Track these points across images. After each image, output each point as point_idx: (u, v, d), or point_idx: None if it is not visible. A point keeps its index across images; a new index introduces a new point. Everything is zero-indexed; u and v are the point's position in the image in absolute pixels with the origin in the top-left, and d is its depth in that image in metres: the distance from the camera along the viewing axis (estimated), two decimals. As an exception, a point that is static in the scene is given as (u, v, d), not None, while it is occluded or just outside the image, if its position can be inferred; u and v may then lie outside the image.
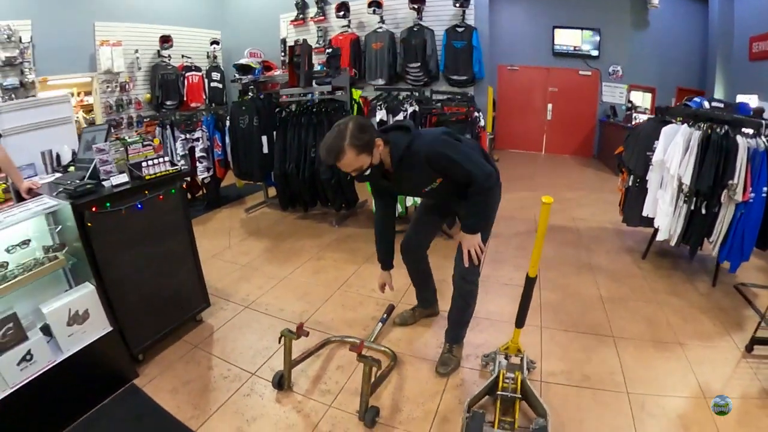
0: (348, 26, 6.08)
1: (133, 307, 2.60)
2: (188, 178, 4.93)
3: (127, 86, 5.65)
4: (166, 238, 2.79)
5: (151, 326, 2.73)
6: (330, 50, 4.64)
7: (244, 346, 2.86)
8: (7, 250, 2.21)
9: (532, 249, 2.22)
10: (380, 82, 6.06)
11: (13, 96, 4.28)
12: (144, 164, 2.63)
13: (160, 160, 2.71)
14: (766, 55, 5.98)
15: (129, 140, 5.18)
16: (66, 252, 2.37)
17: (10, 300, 2.13)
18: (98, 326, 2.39)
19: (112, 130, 5.35)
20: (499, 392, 2.19)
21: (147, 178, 2.63)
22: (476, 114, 4.48)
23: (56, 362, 2.20)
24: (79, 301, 2.31)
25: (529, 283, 2.26)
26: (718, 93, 6.93)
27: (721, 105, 4.21)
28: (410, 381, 2.54)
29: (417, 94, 4.49)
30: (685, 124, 3.63)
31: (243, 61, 5.07)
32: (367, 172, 2.15)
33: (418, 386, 2.50)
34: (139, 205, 2.56)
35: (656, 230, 3.85)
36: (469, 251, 2.37)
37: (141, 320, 2.66)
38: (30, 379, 2.09)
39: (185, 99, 6.06)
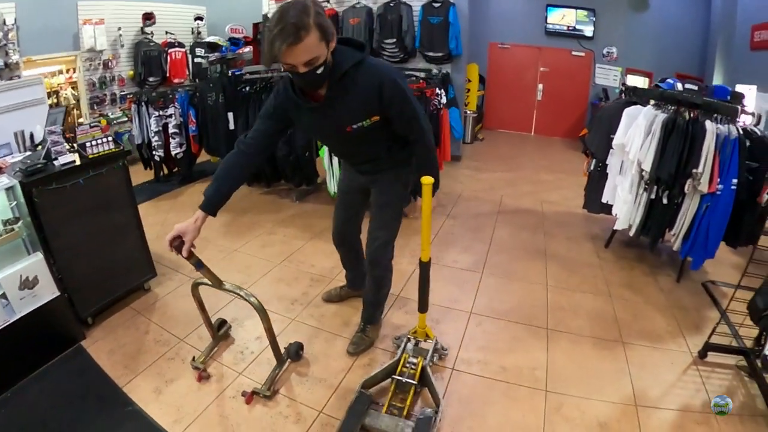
0: (327, 1, 6.06)
1: (81, 275, 2.80)
2: (162, 154, 5.09)
3: (110, 64, 5.77)
4: (110, 212, 2.96)
5: (98, 292, 2.93)
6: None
7: (180, 314, 3.04)
8: None
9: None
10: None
11: None
12: (89, 144, 2.81)
13: (105, 139, 2.89)
14: (767, 44, 5.81)
15: (111, 116, 5.39)
16: (21, 225, 2.56)
17: None
18: (47, 291, 2.59)
19: (95, 107, 5.55)
20: (395, 376, 2.29)
21: (90, 156, 2.80)
22: (437, 92, 4.50)
23: (9, 322, 2.42)
24: (29, 268, 2.50)
25: (423, 267, 2.30)
26: (718, 81, 6.74)
27: (695, 87, 4.07)
28: (321, 357, 2.67)
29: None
30: (650, 106, 3.47)
31: (210, 38, 5.15)
32: (320, 71, 1.70)
33: (326, 363, 2.62)
34: (81, 181, 2.73)
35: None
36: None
37: (89, 287, 2.85)
38: (-14, 336, 2.29)
39: (168, 75, 6.16)
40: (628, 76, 7.94)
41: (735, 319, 2.62)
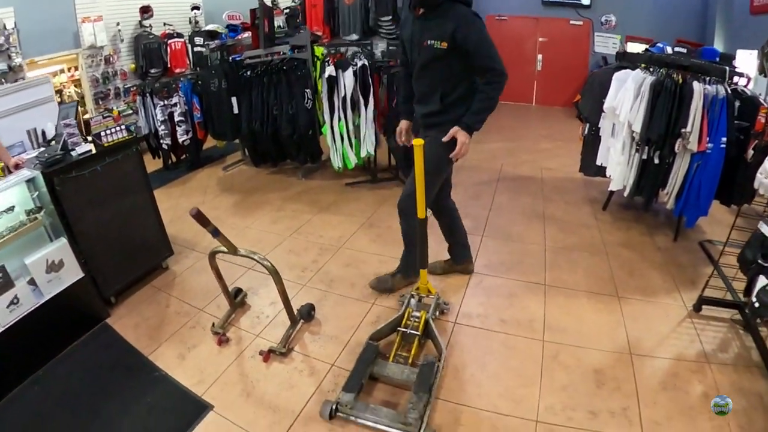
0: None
1: (103, 257, 2.99)
2: (169, 142, 5.26)
3: (111, 59, 5.90)
4: (128, 196, 3.14)
5: (120, 272, 3.13)
6: (287, 10, 4.78)
7: (198, 287, 3.24)
8: None
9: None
10: (354, 37, 6.13)
11: (2, 80, 4.62)
12: (103, 133, 2.99)
13: (118, 128, 3.07)
14: (767, 8, 5.75)
15: (117, 109, 5.54)
16: (43, 213, 2.74)
17: (3, 257, 2.50)
18: (72, 273, 2.78)
19: (100, 102, 5.71)
20: (400, 328, 2.48)
21: (106, 145, 2.98)
22: None
23: (39, 304, 2.61)
24: (54, 252, 2.69)
25: (420, 224, 2.47)
26: (718, 47, 6.68)
27: (684, 50, 4.13)
28: (331, 317, 2.85)
29: (368, 49, 4.67)
30: (638, 69, 3.53)
31: (209, 27, 5.26)
32: None
33: (336, 322, 2.81)
34: (99, 168, 2.91)
35: (612, 181, 3.73)
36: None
37: (111, 267, 3.05)
38: (17, 319, 2.50)
39: (169, 66, 6.28)
40: (628, 43, 7.88)
41: (729, 274, 2.71)
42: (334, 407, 2.09)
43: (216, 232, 2.34)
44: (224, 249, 2.46)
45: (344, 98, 4.21)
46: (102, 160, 2.92)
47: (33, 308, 2.58)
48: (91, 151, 2.90)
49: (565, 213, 4.08)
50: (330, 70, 4.10)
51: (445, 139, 2.41)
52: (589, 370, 2.32)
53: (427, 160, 2.36)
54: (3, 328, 2.43)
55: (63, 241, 2.75)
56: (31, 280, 2.62)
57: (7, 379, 2.46)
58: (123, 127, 3.10)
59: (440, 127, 2.49)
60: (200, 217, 2.25)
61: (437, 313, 2.72)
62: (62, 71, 5.73)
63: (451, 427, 2.08)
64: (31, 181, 2.69)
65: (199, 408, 2.27)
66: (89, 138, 3.01)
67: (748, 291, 2.53)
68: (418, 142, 2.21)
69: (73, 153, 2.84)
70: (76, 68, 5.72)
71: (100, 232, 2.96)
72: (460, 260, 3.13)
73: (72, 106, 3.24)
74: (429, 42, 2.32)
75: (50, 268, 2.67)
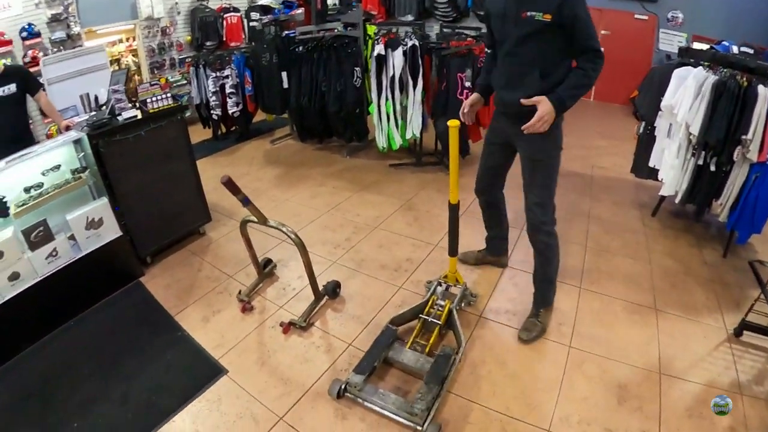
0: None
1: (141, 218, 3.11)
2: (219, 113, 5.36)
3: (167, 30, 6.01)
4: (169, 161, 3.23)
5: (157, 234, 3.25)
6: (342, -12, 4.75)
7: (231, 254, 3.31)
8: (42, 173, 2.73)
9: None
10: (409, 17, 6.03)
11: (61, 48, 4.79)
12: (149, 100, 3.09)
13: (164, 95, 3.15)
14: None
15: (171, 79, 5.71)
16: (88, 173, 2.87)
17: (46, 212, 2.65)
18: (111, 231, 2.92)
19: (155, 71, 5.89)
20: (422, 315, 2.42)
21: (151, 111, 3.07)
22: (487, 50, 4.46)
23: (76, 258, 2.76)
24: (94, 210, 2.83)
25: (452, 210, 2.38)
26: None
27: (751, 51, 3.83)
28: (356, 296, 2.85)
29: (420, 30, 4.57)
30: (700, 67, 3.26)
31: (264, 1, 5.29)
32: None
33: (360, 302, 2.80)
34: (143, 133, 3.00)
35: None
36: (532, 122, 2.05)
37: (148, 229, 3.16)
38: (55, 270, 2.65)
39: (225, 39, 6.36)
40: (694, 43, 7.38)
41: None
42: (342, 387, 2.09)
43: (246, 201, 2.36)
44: (255, 219, 2.48)
45: (392, 78, 4.14)
46: (146, 126, 3.02)
47: (71, 261, 2.72)
48: (136, 116, 2.99)
49: (611, 214, 3.88)
50: (379, 48, 4.04)
51: (525, 101, 2.07)
52: (613, 384, 2.20)
53: (530, 158, 2.18)
54: (41, 278, 2.57)
55: (104, 200, 2.88)
56: (71, 235, 2.75)
57: (42, 325, 2.62)
58: (169, 94, 3.17)
59: None
60: (231, 185, 2.26)
61: (463, 304, 2.65)
62: (120, 41, 5.91)
63: (458, 424, 2.03)
64: (78, 143, 2.82)
65: (214, 371, 2.33)
66: (137, 103, 3.10)
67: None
68: (453, 123, 2.14)
69: (119, 118, 2.94)
70: (134, 38, 5.88)
71: (140, 195, 3.07)
72: (496, 252, 3.02)
73: (122, 73, 3.34)
74: (529, 13, 2.01)
75: (90, 225, 2.80)
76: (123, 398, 2.20)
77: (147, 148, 3.04)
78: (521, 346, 2.44)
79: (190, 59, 5.56)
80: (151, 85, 3.14)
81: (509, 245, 3.12)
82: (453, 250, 2.52)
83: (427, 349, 2.26)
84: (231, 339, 2.53)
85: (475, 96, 2.46)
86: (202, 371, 2.34)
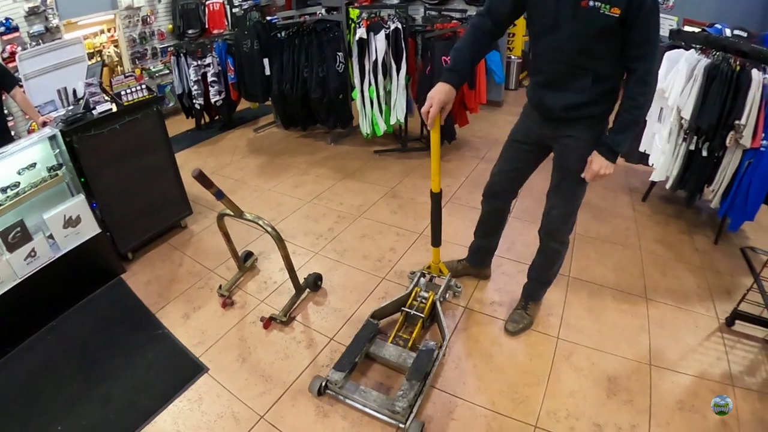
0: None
1: (120, 214, 3.03)
2: (202, 102, 5.25)
3: (149, 19, 5.87)
4: (146, 154, 3.13)
5: (137, 229, 3.17)
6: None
7: (213, 248, 3.23)
8: (18, 173, 2.64)
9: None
10: (394, 0, 5.87)
11: (40, 41, 4.67)
12: (124, 92, 2.99)
13: (139, 87, 3.05)
14: None
15: (153, 69, 5.58)
16: (64, 170, 2.78)
17: (23, 212, 2.58)
18: (89, 229, 2.84)
19: (137, 62, 5.75)
20: (404, 308, 2.35)
21: (126, 104, 2.97)
22: None
23: (55, 258, 2.68)
24: (72, 208, 2.74)
25: (434, 199, 2.27)
26: None
27: (744, 34, 3.73)
28: (338, 289, 2.79)
29: (403, 12, 4.47)
30: (692, 50, 3.19)
31: (243, -14, 5.15)
32: None
33: (342, 294, 2.73)
34: (118, 127, 2.91)
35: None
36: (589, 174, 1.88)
37: (128, 224, 3.08)
38: (35, 271, 2.58)
39: (207, 27, 6.20)
40: (685, 27, 7.27)
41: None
42: (323, 384, 2.04)
43: (220, 194, 2.28)
44: (231, 213, 2.41)
45: (375, 62, 4.03)
46: (121, 119, 2.92)
47: (50, 261, 2.64)
48: (111, 109, 2.90)
49: (601, 200, 3.80)
50: (361, 32, 3.92)
51: (584, 175, 1.90)
52: (602, 376, 2.15)
53: (566, 166, 1.97)
54: (20, 280, 2.50)
55: (81, 197, 2.80)
56: (50, 235, 2.68)
57: (24, 327, 2.56)
58: (144, 86, 3.08)
59: (586, 123, 1.89)
60: (202, 178, 2.17)
61: (448, 295, 2.59)
62: (102, 32, 5.76)
63: (441, 421, 1.98)
64: (53, 139, 2.72)
65: (194, 369, 2.28)
66: (111, 95, 3.00)
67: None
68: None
69: (94, 112, 2.84)
70: (115, 29, 5.74)
71: (118, 190, 2.99)
72: (479, 264, 2.76)
73: (97, 65, 3.24)
74: (592, 3, 1.63)
75: (68, 223, 2.73)
76: (106, 398, 2.16)
77: (123, 141, 2.95)
78: (508, 339, 2.38)
79: (171, 48, 5.42)
80: (126, 77, 3.05)
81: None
82: (436, 241, 2.43)
83: (410, 344, 2.20)
84: (212, 336, 2.47)
85: (444, 91, 1.91)
86: (183, 369, 2.29)
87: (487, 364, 2.24)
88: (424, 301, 2.37)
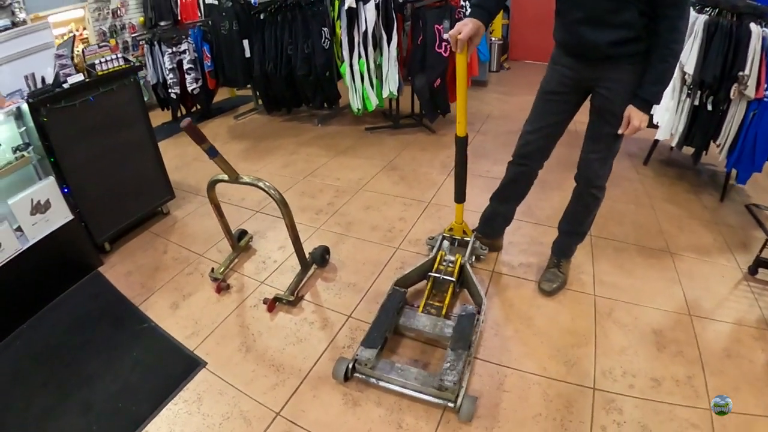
0: None
1: (95, 197, 2.69)
2: (178, 91, 4.93)
3: (119, 12, 5.59)
4: (123, 129, 2.83)
5: (114, 216, 2.84)
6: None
7: (200, 231, 2.94)
8: None
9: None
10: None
11: None
12: (98, 62, 2.69)
13: (114, 57, 2.75)
14: None
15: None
16: (31, 150, 2.45)
17: None
18: (60, 215, 2.49)
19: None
20: (431, 273, 2.10)
21: (99, 74, 2.66)
22: (462, 3, 4.23)
23: (23, 249, 2.33)
24: (40, 191, 2.39)
25: (460, 143, 2.06)
26: None
27: None
28: (348, 262, 2.55)
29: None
30: (691, 8, 3.18)
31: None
32: None
33: (354, 267, 2.49)
34: (92, 99, 2.60)
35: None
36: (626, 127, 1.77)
37: (104, 210, 2.75)
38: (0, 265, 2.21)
39: (180, 18, 5.89)
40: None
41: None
42: (350, 366, 1.76)
43: (213, 151, 1.99)
44: (225, 177, 2.11)
45: (365, 33, 3.81)
46: (95, 90, 2.61)
47: (16, 254, 2.29)
48: (84, 80, 2.59)
49: (603, 164, 3.75)
50: (350, 1, 3.69)
51: (622, 130, 1.79)
52: (647, 330, 2.04)
53: (608, 109, 1.81)
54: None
55: (50, 179, 2.46)
56: (18, 226, 2.34)
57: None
58: (120, 55, 2.79)
59: (630, 61, 1.74)
60: (192, 130, 1.88)
61: (473, 258, 2.36)
62: (71, 32, 5.43)
63: (493, 394, 1.75)
64: (19, 117, 2.42)
65: (190, 365, 1.97)
66: (84, 66, 2.71)
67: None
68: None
69: (65, 86, 2.53)
70: (85, 28, 5.43)
71: (92, 171, 2.66)
72: (493, 233, 2.54)
73: (69, 41, 2.94)
74: None
75: (35, 209, 2.38)
76: (85, 407, 1.82)
77: (97, 115, 2.63)
78: (544, 300, 2.21)
79: (143, 40, 5.10)
80: (100, 47, 2.76)
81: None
82: (460, 196, 2.18)
83: (443, 312, 1.95)
84: (207, 325, 2.16)
85: (473, 23, 1.80)
86: (176, 366, 1.97)
87: (528, 327, 2.05)
88: (451, 264, 2.14)
